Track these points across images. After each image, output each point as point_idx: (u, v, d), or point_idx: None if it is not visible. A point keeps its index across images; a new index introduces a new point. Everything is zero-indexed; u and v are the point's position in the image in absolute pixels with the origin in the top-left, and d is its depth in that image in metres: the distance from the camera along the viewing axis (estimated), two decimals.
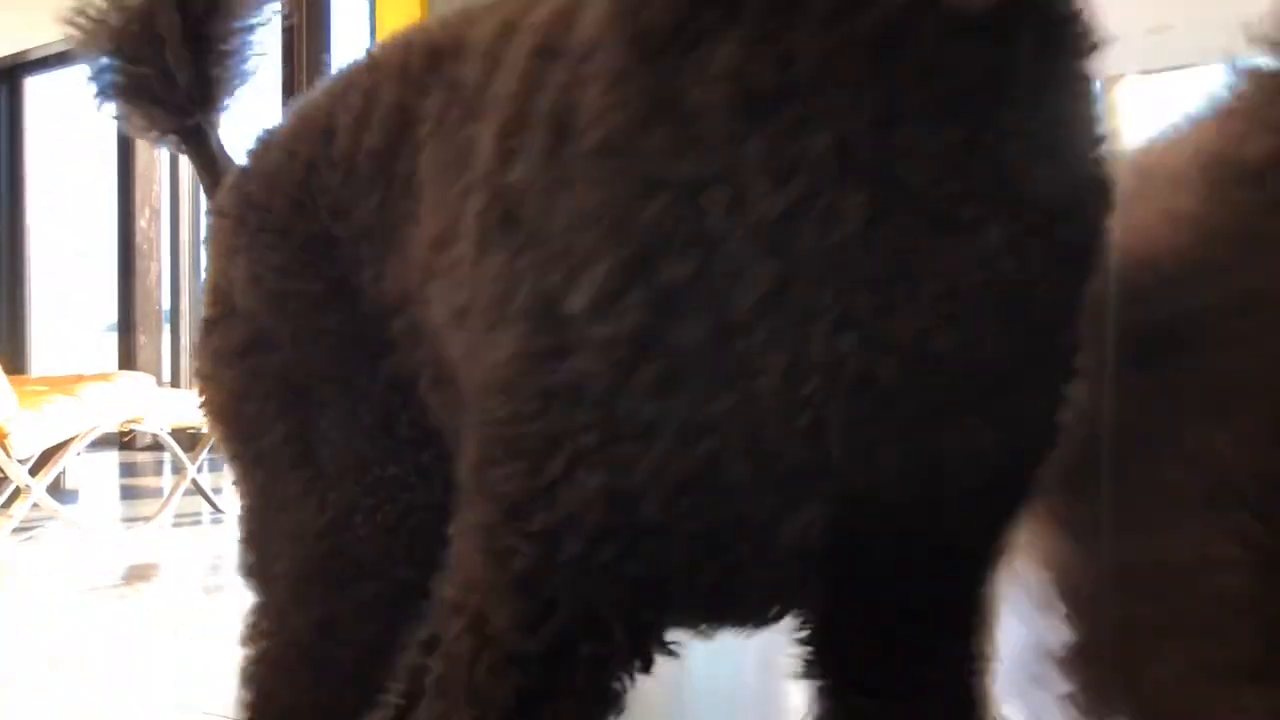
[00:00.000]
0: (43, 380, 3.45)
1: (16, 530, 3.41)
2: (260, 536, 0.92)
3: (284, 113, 0.99)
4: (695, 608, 0.67)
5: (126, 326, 6.47)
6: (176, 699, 1.60)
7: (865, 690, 0.73)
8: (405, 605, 0.85)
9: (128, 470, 6.69)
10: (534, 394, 0.59)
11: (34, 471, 3.29)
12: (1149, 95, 10.94)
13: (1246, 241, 0.68)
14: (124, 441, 8.24)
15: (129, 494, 5.36)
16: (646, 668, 0.65)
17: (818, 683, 0.75)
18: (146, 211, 6.49)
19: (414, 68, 0.82)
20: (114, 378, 3.45)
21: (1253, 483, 0.67)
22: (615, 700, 0.64)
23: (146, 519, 3.65)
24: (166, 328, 6.98)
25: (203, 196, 1.44)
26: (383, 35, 8.20)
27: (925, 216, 0.55)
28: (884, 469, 0.58)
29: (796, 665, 0.75)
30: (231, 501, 4.37)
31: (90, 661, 1.87)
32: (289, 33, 8.61)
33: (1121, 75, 10.33)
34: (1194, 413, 0.70)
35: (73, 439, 3.28)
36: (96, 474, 6.29)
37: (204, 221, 1.18)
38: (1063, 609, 0.83)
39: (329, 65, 8.39)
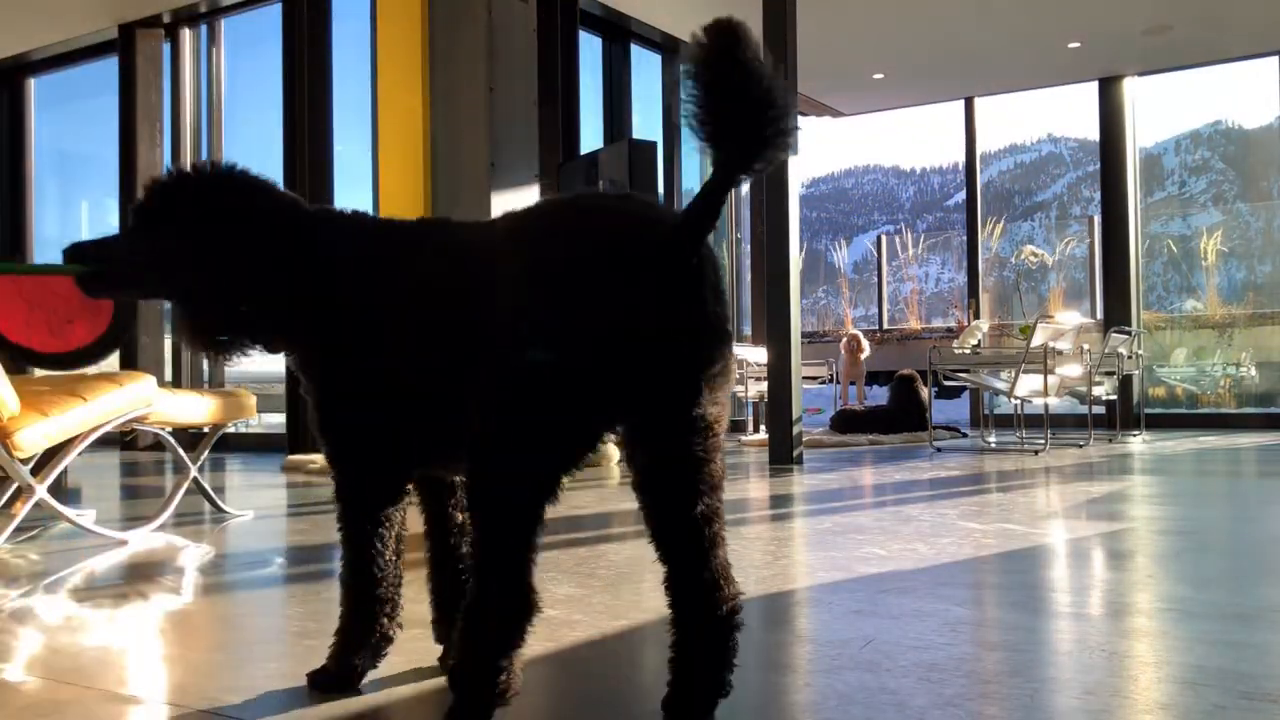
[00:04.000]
0: (45, 381, 3.44)
1: (18, 529, 3.41)
2: None
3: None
4: None
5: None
6: (176, 697, 1.60)
7: None
8: None
9: (129, 470, 6.71)
10: None
11: (35, 471, 3.30)
12: (1149, 95, 10.87)
13: None
14: (125, 441, 8.25)
15: (130, 494, 5.37)
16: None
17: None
18: None
19: None
20: (118, 378, 3.44)
21: None
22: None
23: (148, 519, 3.65)
24: (168, 328, 6.98)
25: None
26: (384, 37, 8.16)
27: None
28: None
29: None
30: (231, 501, 4.36)
31: (91, 661, 1.88)
32: (289, 37, 8.62)
33: (1122, 75, 10.34)
34: None
35: (75, 439, 3.29)
36: (98, 474, 6.30)
37: None
38: None
39: (329, 69, 8.38)
